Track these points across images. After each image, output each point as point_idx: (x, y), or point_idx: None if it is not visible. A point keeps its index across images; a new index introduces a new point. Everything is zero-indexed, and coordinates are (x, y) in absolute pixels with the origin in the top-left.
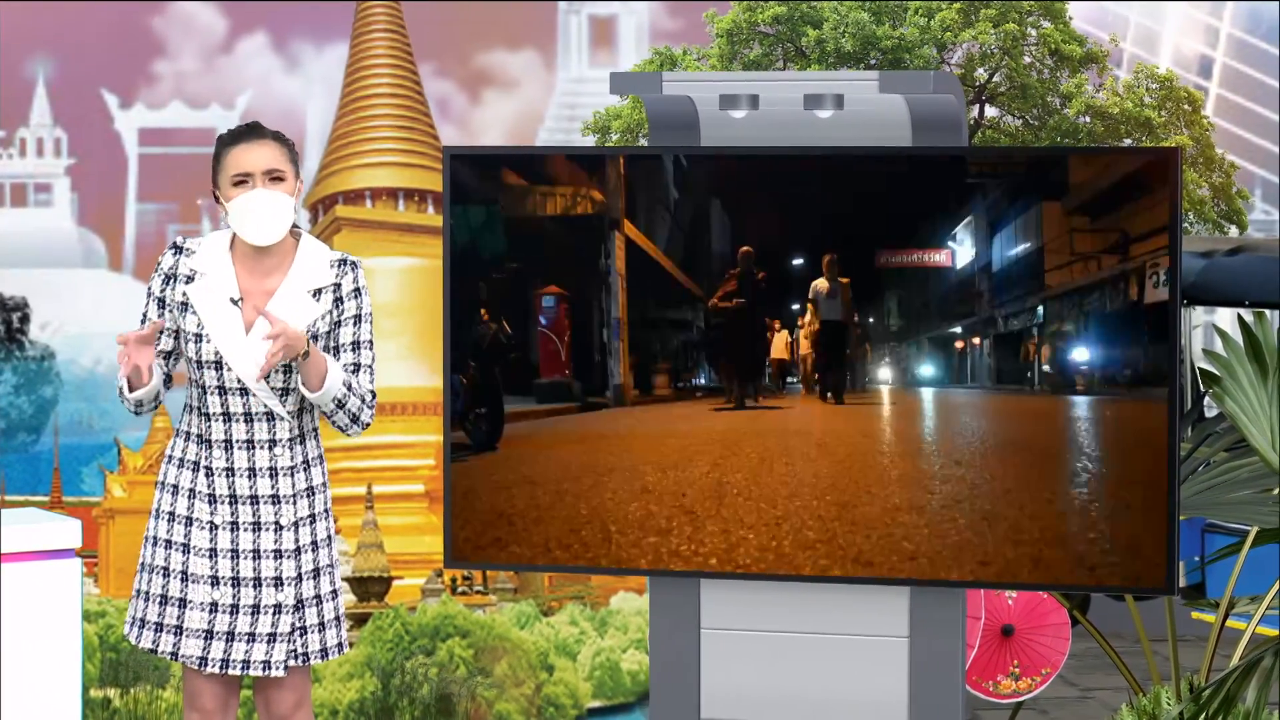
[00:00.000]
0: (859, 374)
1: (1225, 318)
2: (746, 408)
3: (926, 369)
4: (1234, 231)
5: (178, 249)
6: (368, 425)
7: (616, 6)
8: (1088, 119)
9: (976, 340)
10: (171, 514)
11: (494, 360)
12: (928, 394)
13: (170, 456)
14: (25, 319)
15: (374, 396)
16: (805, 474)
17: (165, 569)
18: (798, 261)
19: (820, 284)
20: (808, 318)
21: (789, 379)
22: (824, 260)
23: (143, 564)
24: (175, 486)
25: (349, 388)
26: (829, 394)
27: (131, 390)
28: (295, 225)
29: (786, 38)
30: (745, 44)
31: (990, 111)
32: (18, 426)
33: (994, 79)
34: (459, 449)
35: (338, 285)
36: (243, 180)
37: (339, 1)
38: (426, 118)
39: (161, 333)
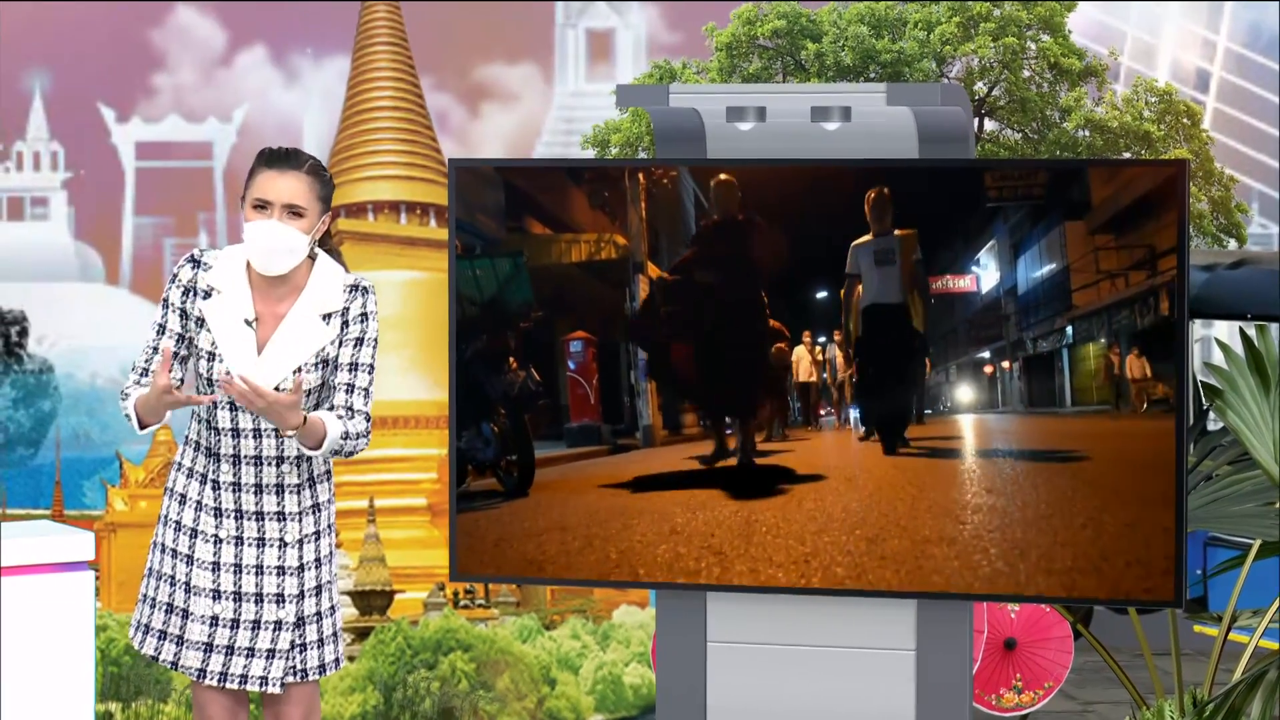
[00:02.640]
0: (923, 396)
1: (1222, 330)
2: (716, 482)
3: (958, 390)
4: (1233, 245)
5: (195, 262)
6: (360, 450)
7: (614, 20)
8: (1087, 132)
9: (998, 362)
10: (178, 523)
11: (524, 408)
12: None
13: (179, 464)
14: (24, 332)
15: (368, 420)
16: (835, 508)
17: (171, 577)
18: (822, 294)
19: (864, 242)
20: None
21: (823, 412)
22: (868, 199)
23: (150, 569)
24: (183, 496)
25: (345, 436)
26: (888, 435)
27: (143, 428)
28: (314, 248)
29: (786, 51)
30: (744, 58)
31: (989, 125)
32: (16, 440)
33: (993, 92)
34: (491, 496)
35: (347, 309)
36: (262, 206)
37: (339, 14)
38: (429, 131)
39: (181, 340)
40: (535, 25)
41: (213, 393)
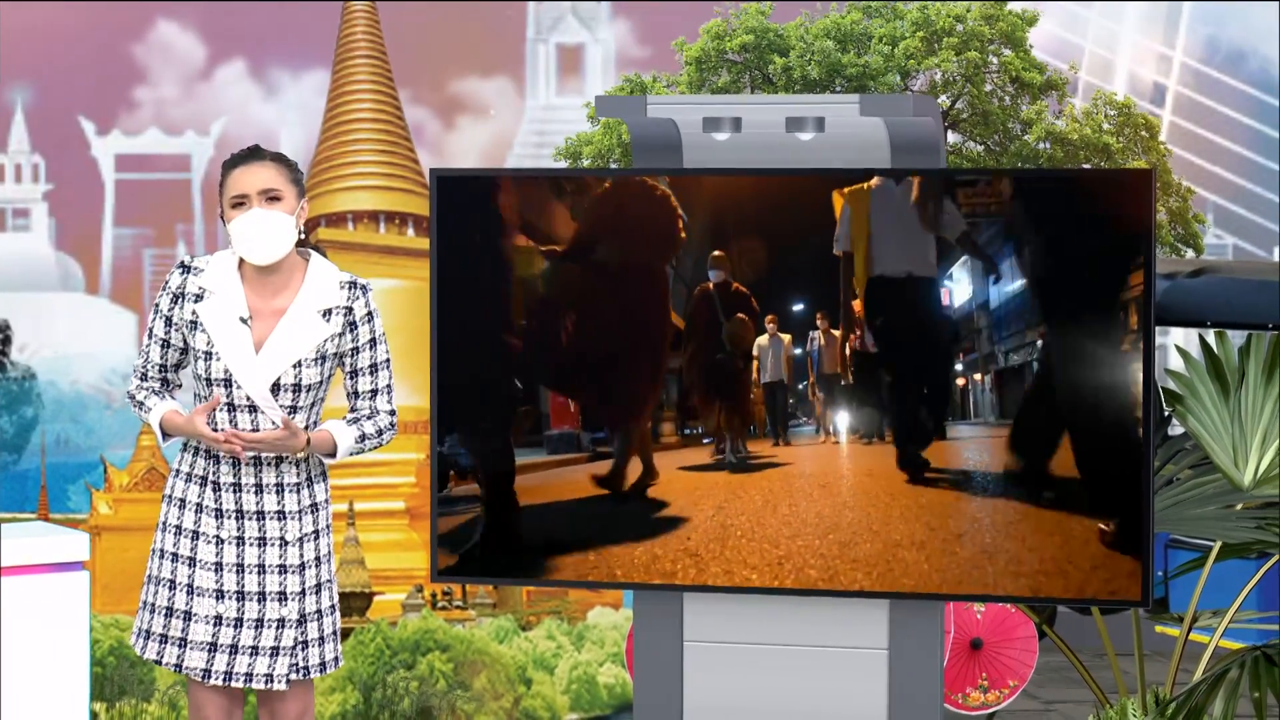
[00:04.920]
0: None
1: (1178, 336)
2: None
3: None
4: (1190, 255)
5: (185, 268)
6: (388, 443)
7: (584, 35)
8: (1047, 145)
9: (962, 370)
10: (179, 527)
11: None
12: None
13: (178, 470)
14: (7, 341)
15: (393, 415)
16: (808, 513)
17: (171, 581)
18: (798, 306)
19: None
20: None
21: (798, 420)
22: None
23: (149, 576)
24: (183, 500)
25: (363, 438)
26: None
27: (165, 439)
28: (304, 246)
29: (754, 65)
30: (714, 71)
31: (952, 137)
32: (0, 446)
33: (956, 105)
34: (471, 500)
35: (349, 309)
36: (240, 202)
37: (317, 29)
38: (407, 142)
39: (168, 347)
40: (507, 40)
41: (211, 394)
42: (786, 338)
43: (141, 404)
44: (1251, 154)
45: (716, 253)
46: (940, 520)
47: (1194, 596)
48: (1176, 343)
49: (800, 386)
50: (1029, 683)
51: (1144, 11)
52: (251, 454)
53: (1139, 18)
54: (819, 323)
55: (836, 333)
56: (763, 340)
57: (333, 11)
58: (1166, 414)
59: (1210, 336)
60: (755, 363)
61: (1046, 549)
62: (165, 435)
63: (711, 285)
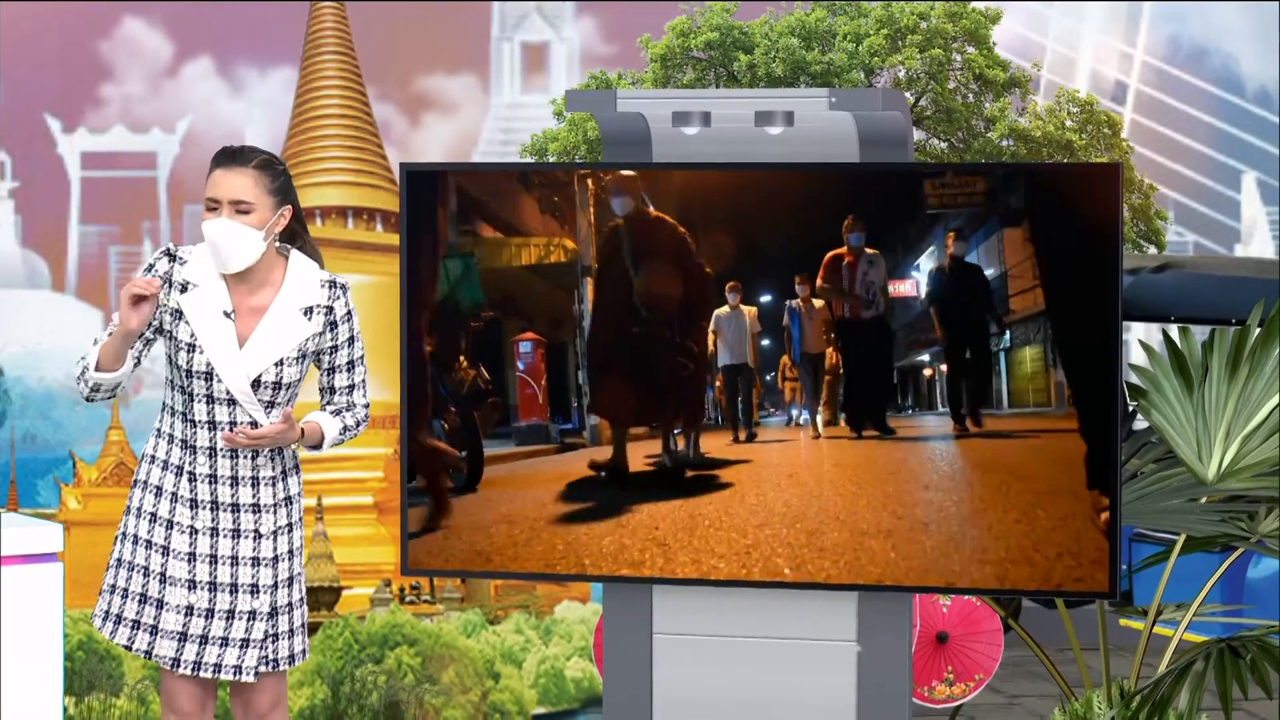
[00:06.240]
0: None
1: (1139, 331)
2: (660, 477)
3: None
4: (1152, 251)
5: (171, 256)
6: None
7: (549, 33)
8: (1011, 142)
9: (936, 364)
10: (153, 515)
11: (474, 406)
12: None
13: (152, 457)
14: None
15: (368, 408)
16: (775, 503)
17: (145, 568)
18: (766, 298)
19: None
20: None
21: (766, 411)
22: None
23: (119, 560)
24: (158, 488)
25: (344, 430)
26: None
27: (99, 370)
28: (284, 243)
29: (719, 62)
30: (679, 68)
31: (916, 134)
32: None
33: (920, 102)
34: (440, 494)
35: (330, 309)
36: (213, 206)
37: (284, 25)
38: (375, 138)
39: (147, 326)
40: (472, 37)
41: (191, 386)
42: (750, 311)
43: (83, 370)
44: (1212, 152)
45: (625, 172)
46: (907, 509)
47: (1158, 590)
48: (1139, 337)
49: (768, 378)
50: (994, 676)
51: (1106, 10)
52: (227, 447)
53: (1101, 16)
54: (799, 289)
55: (819, 303)
56: (722, 312)
57: (300, 10)
58: (1131, 408)
59: (1174, 331)
60: (712, 338)
61: (1013, 539)
62: (99, 369)
63: (621, 220)
